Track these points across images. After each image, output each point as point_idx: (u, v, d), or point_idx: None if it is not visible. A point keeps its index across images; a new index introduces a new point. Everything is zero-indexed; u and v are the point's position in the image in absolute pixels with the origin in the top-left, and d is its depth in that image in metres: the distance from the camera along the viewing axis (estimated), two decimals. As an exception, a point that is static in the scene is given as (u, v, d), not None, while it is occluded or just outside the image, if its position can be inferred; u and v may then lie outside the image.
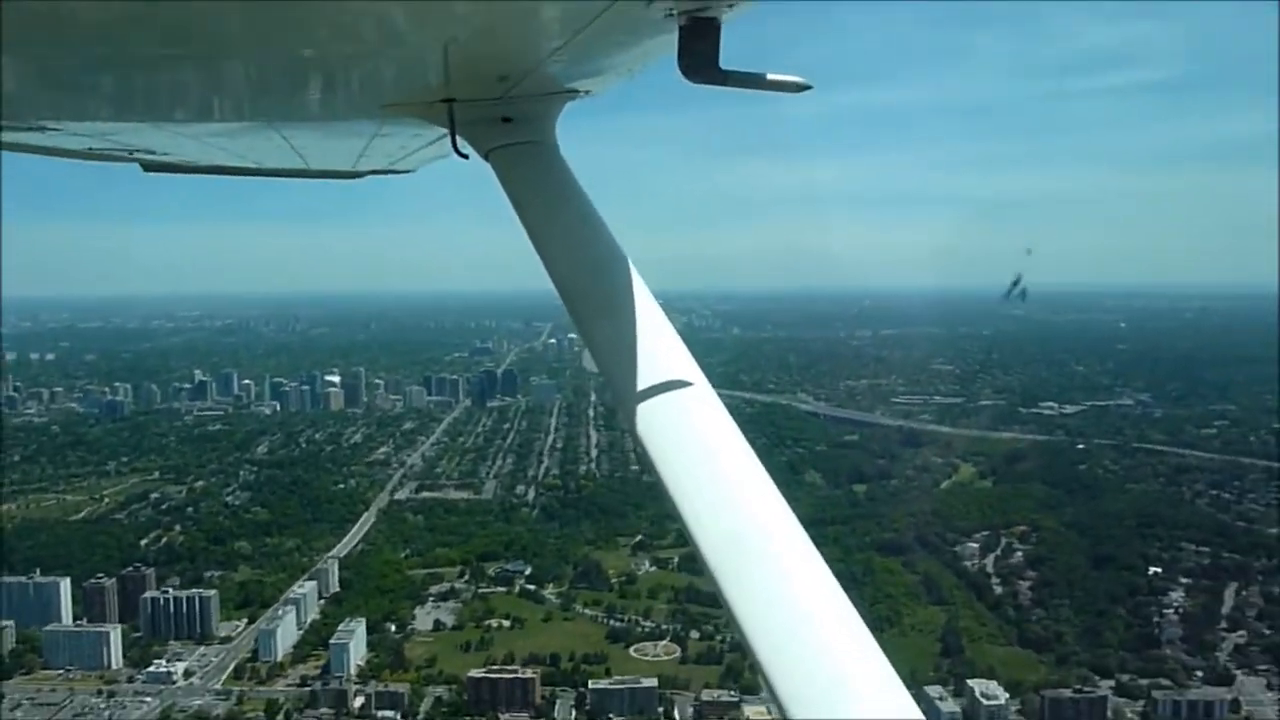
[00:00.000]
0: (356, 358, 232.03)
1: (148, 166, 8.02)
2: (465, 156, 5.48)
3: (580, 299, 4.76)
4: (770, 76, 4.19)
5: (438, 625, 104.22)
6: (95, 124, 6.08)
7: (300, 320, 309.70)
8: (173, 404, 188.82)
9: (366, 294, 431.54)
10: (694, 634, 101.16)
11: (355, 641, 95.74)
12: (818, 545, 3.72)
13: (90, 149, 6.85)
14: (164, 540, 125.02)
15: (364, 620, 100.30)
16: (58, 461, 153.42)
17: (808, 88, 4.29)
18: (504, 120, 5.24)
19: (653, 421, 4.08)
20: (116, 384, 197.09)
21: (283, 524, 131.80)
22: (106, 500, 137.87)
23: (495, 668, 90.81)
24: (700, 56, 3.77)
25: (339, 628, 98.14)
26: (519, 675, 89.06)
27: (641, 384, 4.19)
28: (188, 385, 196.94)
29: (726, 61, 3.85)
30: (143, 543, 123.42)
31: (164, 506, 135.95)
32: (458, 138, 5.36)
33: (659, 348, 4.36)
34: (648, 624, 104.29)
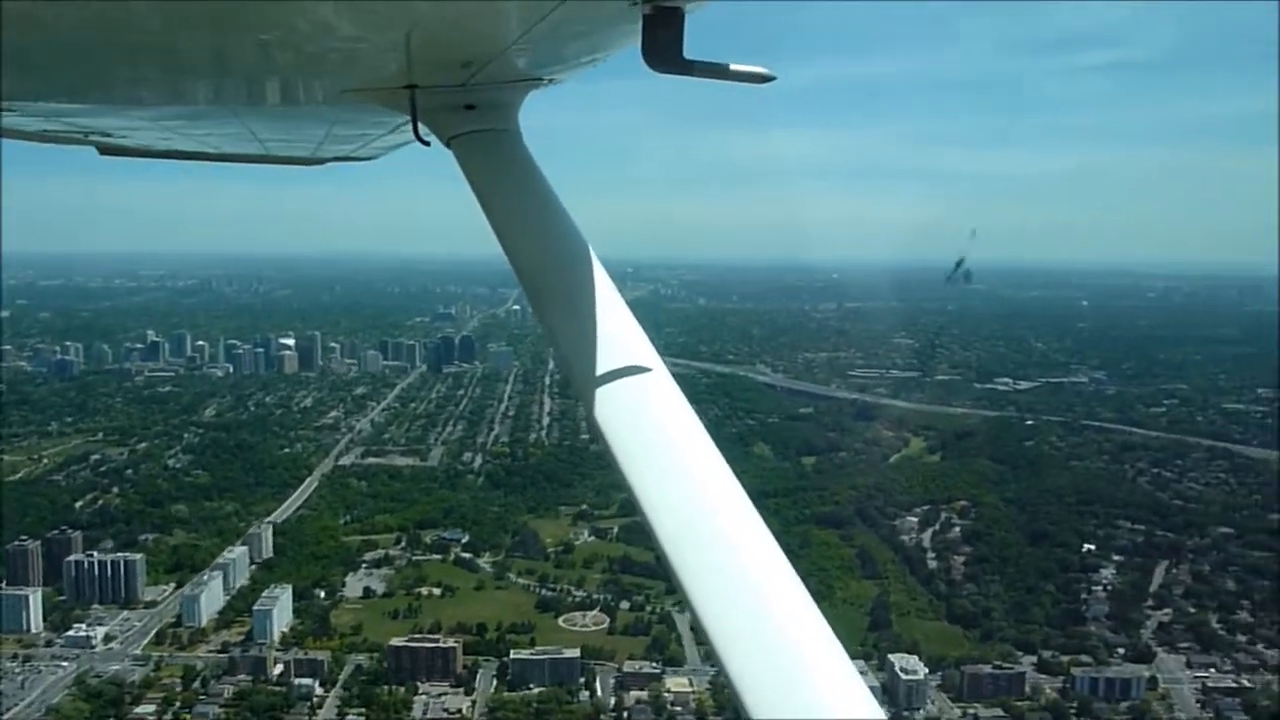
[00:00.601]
0: (317, 321, 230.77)
1: (104, 150, 8.04)
2: (427, 144, 5.50)
3: (541, 288, 4.78)
4: (734, 67, 4.12)
5: (367, 592, 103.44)
6: (50, 105, 5.88)
7: (263, 282, 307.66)
8: (124, 364, 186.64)
9: (334, 256, 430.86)
10: (624, 604, 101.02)
11: (279, 608, 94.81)
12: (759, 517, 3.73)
13: (44, 131, 6.78)
14: (100, 503, 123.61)
15: (290, 587, 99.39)
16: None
17: (771, 79, 4.22)
18: (467, 108, 5.21)
19: (612, 410, 4.08)
20: (67, 343, 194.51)
21: (223, 488, 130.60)
22: (45, 461, 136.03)
23: (417, 636, 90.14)
24: (664, 46, 3.72)
25: (263, 594, 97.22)
26: (440, 644, 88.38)
27: (601, 372, 4.18)
28: (139, 345, 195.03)
29: (691, 46, 3.80)
30: (78, 505, 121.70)
31: (103, 468, 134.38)
32: (420, 125, 5.30)
33: (619, 337, 4.36)
34: (579, 594, 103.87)
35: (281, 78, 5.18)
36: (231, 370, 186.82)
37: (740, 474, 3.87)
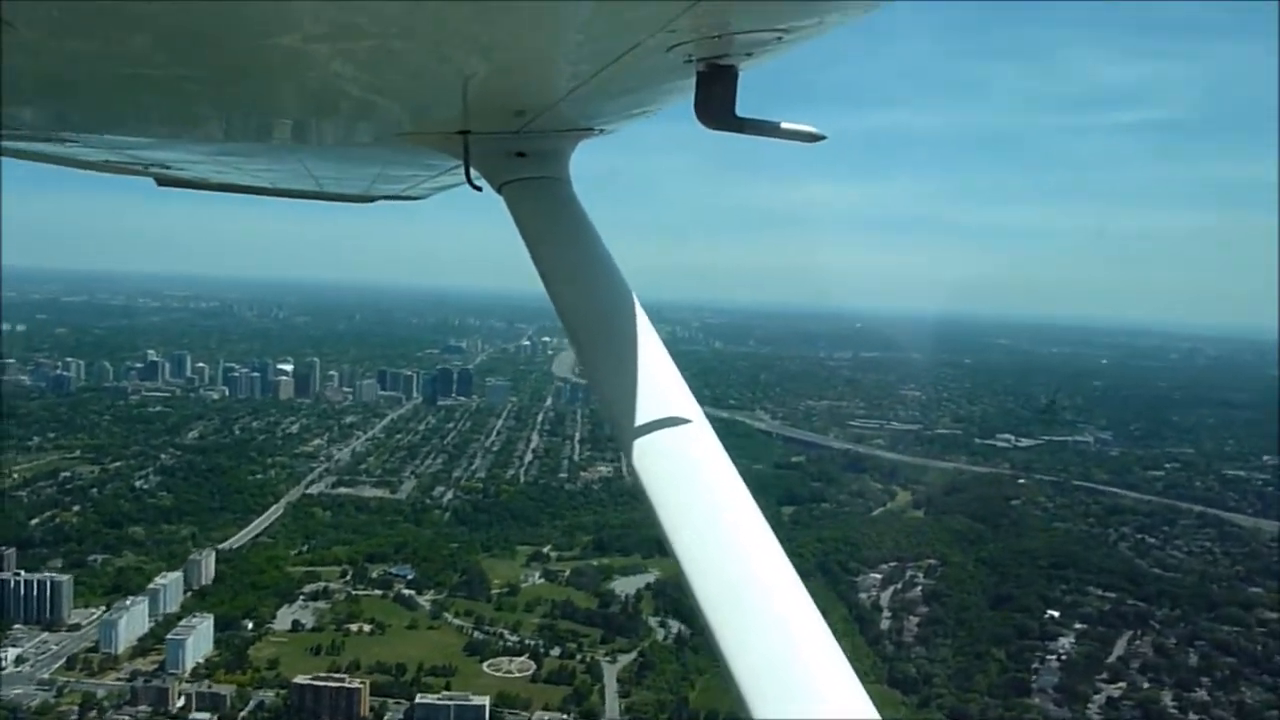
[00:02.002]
0: (328, 348, 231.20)
1: (162, 181, 8.18)
2: (479, 188, 5.55)
3: (587, 337, 4.74)
4: (785, 126, 4.15)
5: (296, 626, 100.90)
6: (114, 138, 6.03)
7: (283, 307, 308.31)
8: (120, 383, 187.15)
9: (363, 285, 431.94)
10: (555, 651, 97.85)
11: (196, 638, 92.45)
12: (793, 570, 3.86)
13: (106, 161, 6.94)
14: (56, 520, 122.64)
15: (212, 617, 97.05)
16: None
17: (821, 138, 4.25)
18: (518, 155, 5.26)
19: (651, 460, 4.07)
20: (68, 359, 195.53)
21: (184, 511, 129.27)
22: (15, 476, 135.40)
23: (322, 676, 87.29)
24: (717, 103, 3.75)
25: (180, 623, 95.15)
26: (345, 684, 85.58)
27: (641, 421, 4.17)
28: (139, 365, 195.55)
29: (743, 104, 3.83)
30: (33, 522, 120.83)
31: (69, 486, 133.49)
32: (472, 169, 5.39)
33: (661, 388, 4.34)
34: (513, 638, 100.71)
35: (341, 121, 5.23)
36: (227, 393, 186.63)
37: None
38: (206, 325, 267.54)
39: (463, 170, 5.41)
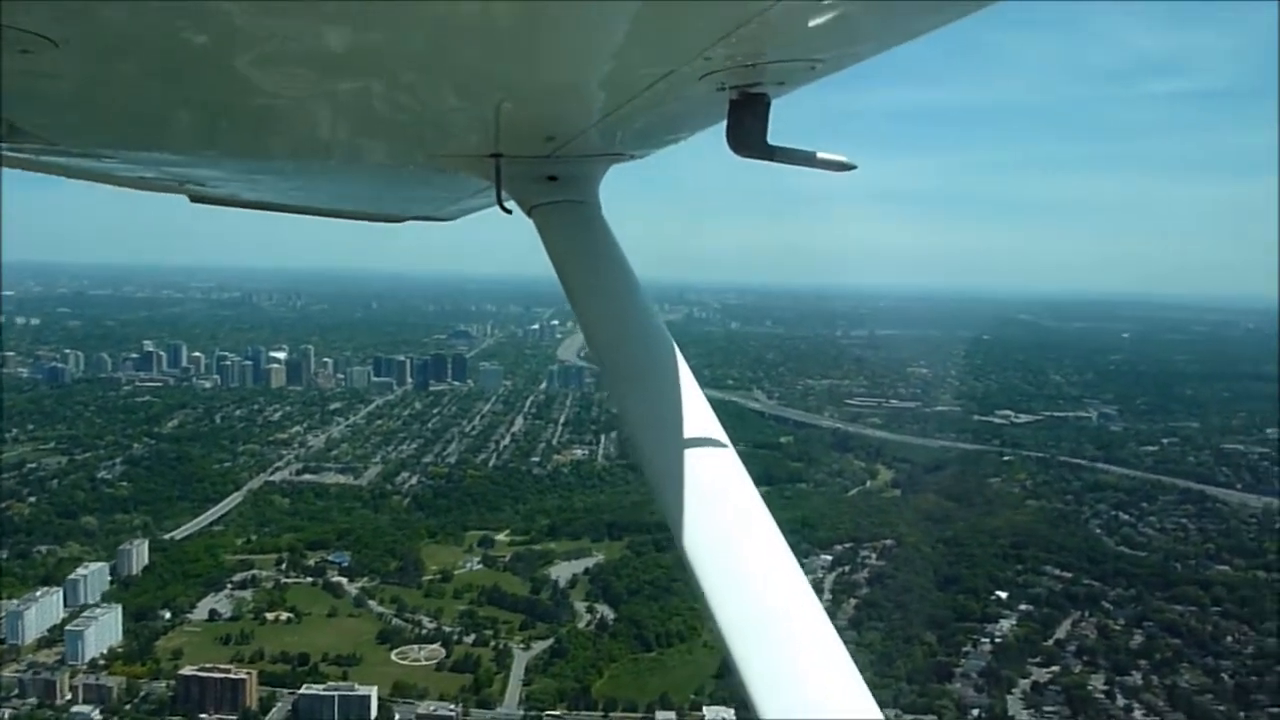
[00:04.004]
0: (336, 335, 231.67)
1: (195, 198, 8.27)
2: (509, 211, 5.57)
3: (613, 360, 4.72)
4: (819, 155, 4.11)
5: (213, 615, 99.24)
6: (150, 155, 6.12)
7: (301, 296, 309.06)
8: (115, 374, 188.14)
9: (387, 273, 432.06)
10: (468, 639, 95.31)
11: (99, 629, 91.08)
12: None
13: (141, 178, 7.06)
14: (9, 511, 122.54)
15: (119, 607, 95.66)
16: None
17: (852, 167, 4.19)
18: (549, 178, 5.28)
19: (674, 485, 3.98)
20: (68, 351, 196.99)
21: (141, 501, 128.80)
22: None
23: (208, 666, 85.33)
24: (749, 131, 3.70)
25: (83, 614, 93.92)
26: (230, 675, 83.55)
27: (665, 446, 4.10)
28: (134, 355, 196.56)
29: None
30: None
31: (31, 477, 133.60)
32: (502, 192, 5.39)
33: (687, 414, 4.26)
34: (430, 625, 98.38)
35: (374, 142, 5.33)
36: (219, 382, 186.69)
37: None
38: (224, 315, 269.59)
39: (493, 192, 5.37)
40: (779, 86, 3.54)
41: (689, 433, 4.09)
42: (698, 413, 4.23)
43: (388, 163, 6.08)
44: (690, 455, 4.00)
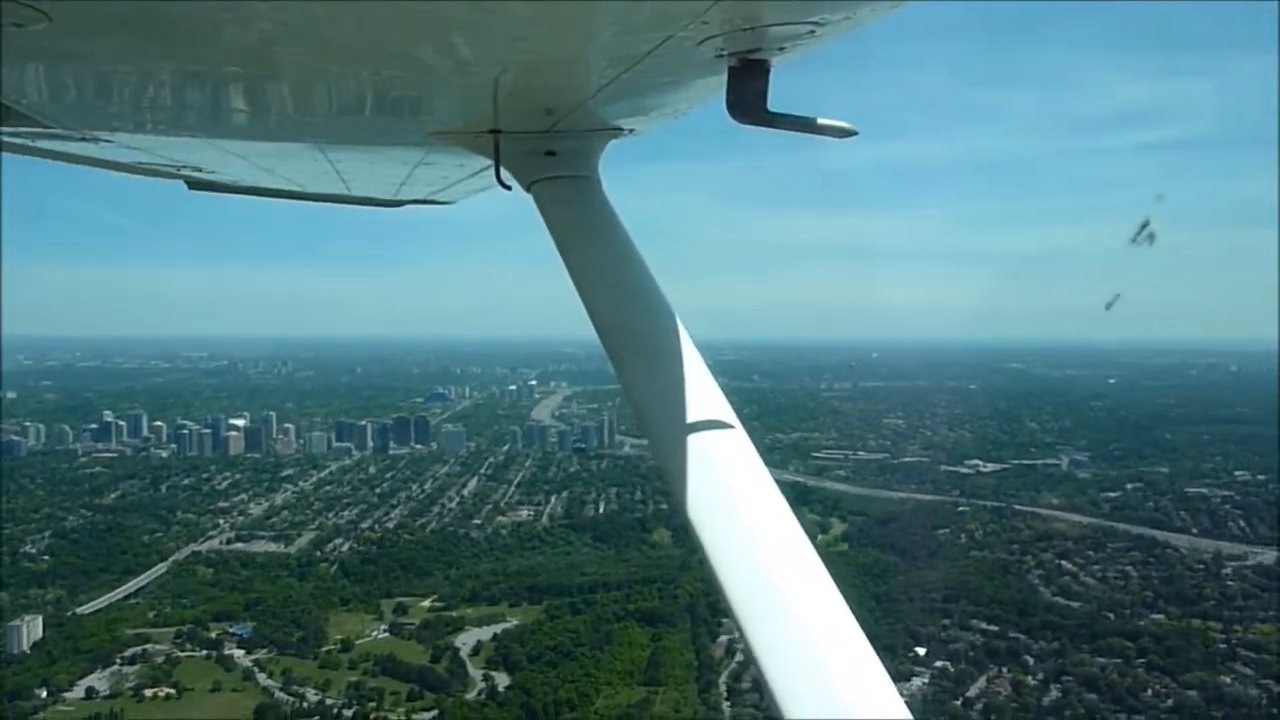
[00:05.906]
0: (310, 401, 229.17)
1: (193, 184, 8.16)
2: (509, 188, 5.49)
3: (617, 336, 4.70)
4: (819, 121, 4.10)
5: (90, 693, 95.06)
6: (148, 137, 5.98)
7: (288, 363, 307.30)
8: (74, 446, 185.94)
9: (378, 339, 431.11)
10: (347, 713, 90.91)
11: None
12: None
13: (140, 163, 6.94)
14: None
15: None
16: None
17: (854, 133, 4.17)
18: (548, 154, 5.21)
19: (684, 463, 4.00)
20: (28, 424, 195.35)
21: (59, 575, 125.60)
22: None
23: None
24: (749, 98, 3.76)
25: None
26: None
27: (675, 424, 4.10)
28: (93, 426, 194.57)
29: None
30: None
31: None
32: (502, 169, 5.34)
33: (694, 389, 4.28)
34: (314, 698, 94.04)
35: (373, 118, 5.14)
36: (176, 451, 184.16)
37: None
38: (208, 384, 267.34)
39: (492, 171, 5.30)
40: (779, 52, 3.48)
41: (694, 405, 4.02)
42: (703, 386, 4.16)
43: (387, 142, 5.88)
44: (695, 428, 3.91)
